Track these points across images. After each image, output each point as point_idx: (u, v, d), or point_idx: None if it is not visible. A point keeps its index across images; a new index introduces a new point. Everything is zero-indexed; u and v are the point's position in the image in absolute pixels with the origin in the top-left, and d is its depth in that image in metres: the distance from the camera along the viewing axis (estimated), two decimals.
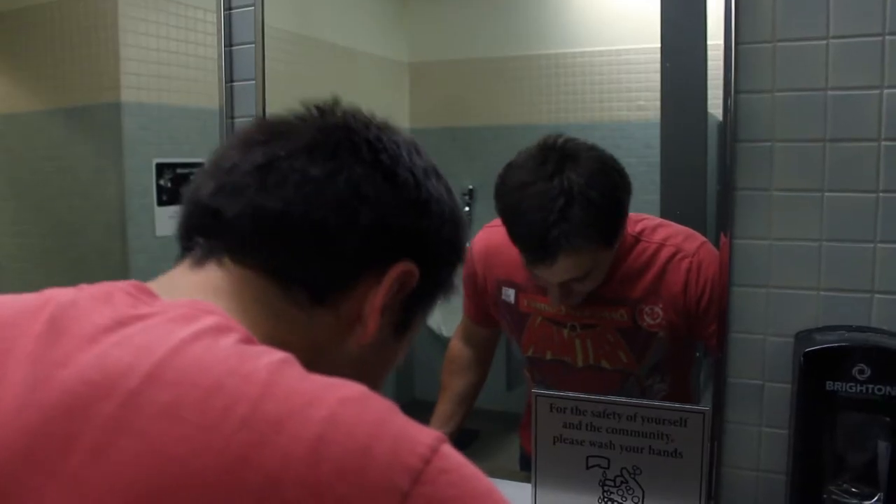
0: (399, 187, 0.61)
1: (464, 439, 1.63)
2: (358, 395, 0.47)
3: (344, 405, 0.45)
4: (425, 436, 0.46)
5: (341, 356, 0.62)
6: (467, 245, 0.67)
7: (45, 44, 2.11)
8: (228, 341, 0.49)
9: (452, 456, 0.46)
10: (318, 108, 0.65)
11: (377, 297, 0.60)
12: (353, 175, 0.59)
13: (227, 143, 0.63)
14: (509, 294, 1.43)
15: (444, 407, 1.54)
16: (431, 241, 0.63)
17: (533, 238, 1.19)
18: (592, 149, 1.23)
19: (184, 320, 0.50)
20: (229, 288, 0.58)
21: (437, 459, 0.45)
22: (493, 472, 1.34)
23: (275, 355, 0.49)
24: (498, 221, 1.53)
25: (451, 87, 2.18)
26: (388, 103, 2.22)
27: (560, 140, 1.22)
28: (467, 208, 2.15)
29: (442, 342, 2.16)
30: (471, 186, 2.15)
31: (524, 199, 1.20)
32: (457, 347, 1.58)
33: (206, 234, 0.60)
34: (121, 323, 0.50)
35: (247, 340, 0.51)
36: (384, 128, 0.64)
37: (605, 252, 1.26)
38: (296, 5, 1.76)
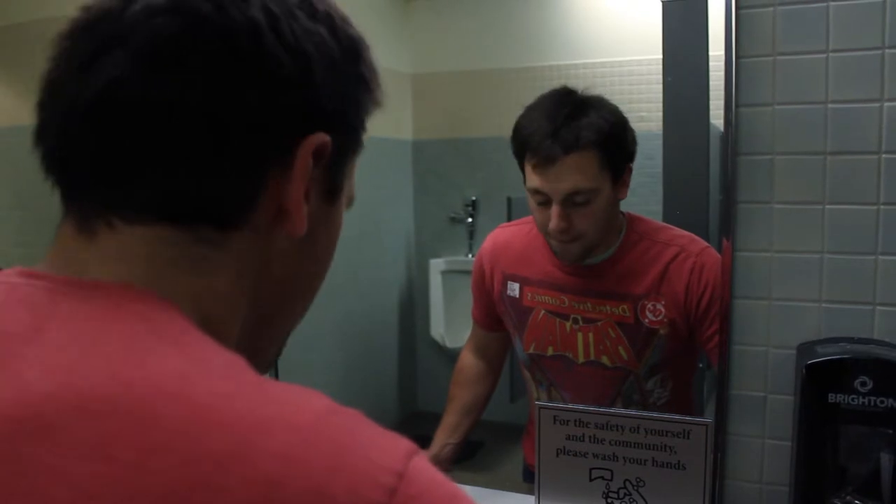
0: (268, 67, 0.49)
1: (468, 450, 1.64)
2: (314, 415, 0.42)
3: (298, 433, 0.40)
4: (391, 458, 0.41)
5: (280, 260, 0.55)
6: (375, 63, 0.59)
7: None
8: (164, 350, 0.43)
9: (421, 476, 0.41)
10: None
11: (294, 189, 0.51)
12: (207, 81, 0.48)
13: (54, 64, 0.51)
14: (514, 288, 1.44)
15: (451, 418, 1.54)
16: (331, 102, 0.53)
17: (544, 133, 1.27)
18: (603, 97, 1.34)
19: (110, 319, 0.45)
20: (136, 256, 0.49)
21: (403, 487, 0.40)
22: (497, 484, 1.35)
23: (219, 363, 0.44)
24: (507, 223, 1.56)
25: (454, 98, 2.19)
26: (391, 114, 2.22)
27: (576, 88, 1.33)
28: (470, 219, 2.16)
29: (446, 353, 2.16)
30: (473, 197, 2.16)
31: (537, 110, 1.31)
32: (466, 358, 1.59)
33: (74, 189, 0.51)
34: (38, 329, 0.44)
35: (183, 334, 0.46)
36: None
37: (608, 184, 1.30)
38: None
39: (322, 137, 0.52)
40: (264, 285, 0.55)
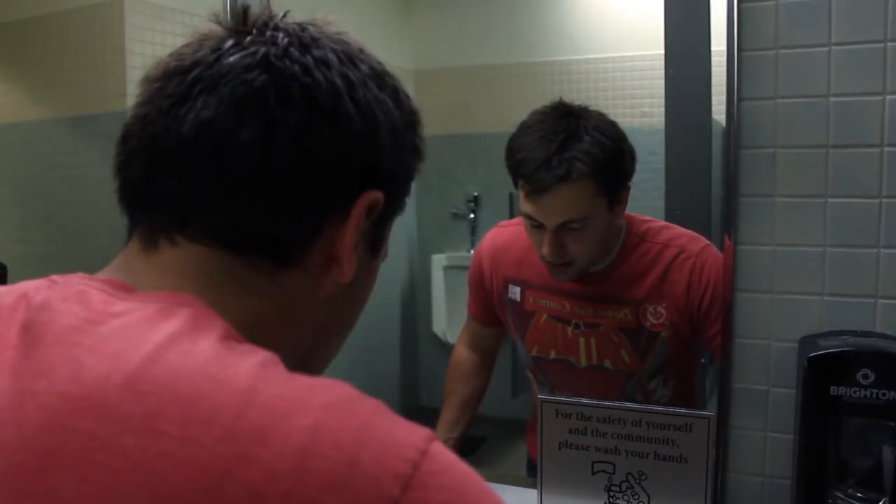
0: (343, 124, 0.55)
1: (470, 446, 1.64)
2: (342, 398, 0.45)
3: (328, 412, 0.43)
4: (414, 437, 0.44)
5: (322, 301, 0.59)
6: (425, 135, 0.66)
7: (51, 53, 2.13)
8: (207, 342, 0.47)
9: (442, 456, 0.45)
10: (233, 32, 0.57)
11: (347, 239, 0.57)
12: (289, 129, 0.53)
13: (144, 101, 0.57)
14: (515, 292, 1.44)
15: (449, 414, 1.54)
16: (389, 162, 0.59)
17: (536, 161, 1.24)
18: (601, 112, 1.31)
19: (159, 317, 0.48)
20: (192, 269, 0.54)
21: (426, 462, 0.43)
22: (500, 479, 1.35)
23: (257, 356, 0.47)
24: (507, 221, 1.56)
25: (456, 94, 2.19)
26: None
27: (573, 103, 1.30)
28: (472, 215, 2.16)
29: (447, 349, 2.16)
30: (476, 193, 2.16)
31: (531, 133, 1.27)
32: (461, 353, 1.59)
33: (146, 213, 0.56)
34: (93, 322, 0.48)
35: (226, 336, 0.49)
36: (310, 45, 0.57)
37: (604, 208, 1.28)
38: (300, 14, 1.78)
39: (377, 194, 0.58)
40: (308, 324, 0.60)
